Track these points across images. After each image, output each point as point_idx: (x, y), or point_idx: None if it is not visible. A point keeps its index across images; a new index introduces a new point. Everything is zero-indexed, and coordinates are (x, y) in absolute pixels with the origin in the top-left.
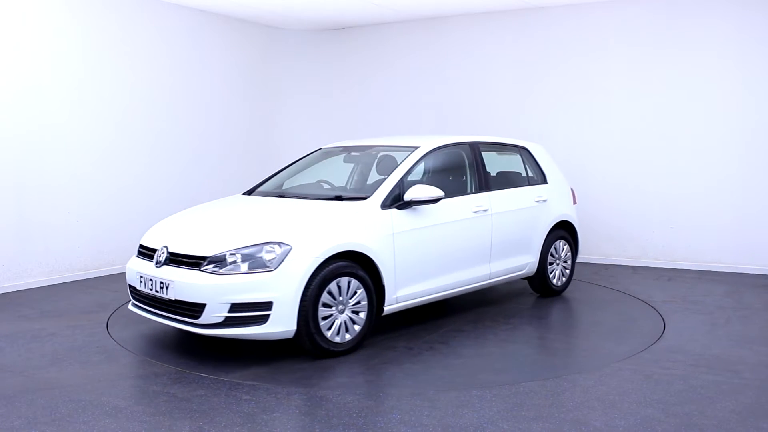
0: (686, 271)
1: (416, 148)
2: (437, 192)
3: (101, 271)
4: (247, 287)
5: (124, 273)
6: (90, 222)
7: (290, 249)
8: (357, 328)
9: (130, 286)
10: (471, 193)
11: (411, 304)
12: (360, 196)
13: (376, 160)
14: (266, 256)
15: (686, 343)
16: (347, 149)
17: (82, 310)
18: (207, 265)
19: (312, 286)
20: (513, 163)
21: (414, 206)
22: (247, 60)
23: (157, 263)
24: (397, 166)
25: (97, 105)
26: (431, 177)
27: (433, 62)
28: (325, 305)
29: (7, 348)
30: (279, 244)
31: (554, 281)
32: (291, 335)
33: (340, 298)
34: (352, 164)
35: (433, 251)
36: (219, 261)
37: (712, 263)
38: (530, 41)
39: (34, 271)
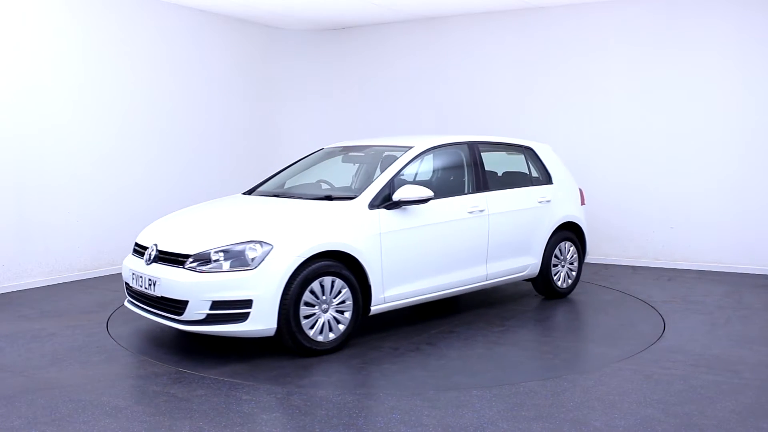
0: (686, 271)
1: (410, 148)
2: (426, 192)
3: (101, 271)
4: (227, 285)
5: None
6: (90, 222)
7: (271, 248)
8: (342, 327)
9: (126, 283)
10: (468, 193)
11: (400, 304)
12: (348, 195)
13: (380, 160)
14: (249, 255)
15: (686, 343)
16: (348, 149)
17: (82, 310)
18: (191, 263)
19: (293, 285)
20: (517, 164)
21: (403, 206)
22: (247, 60)
23: (147, 260)
24: (389, 166)
25: (97, 105)
26: (426, 177)
27: (433, 62)
28: (308, 304)
29: (7, 348)
30: (261, 243)
31: (559, 283)
32: (272, 333)
33: (324, 298)
34: (354, 164)
35: (424, 251)
36: (203, 259)
37: (712, 263)
38: (530, 41)
39: (34, 271)
